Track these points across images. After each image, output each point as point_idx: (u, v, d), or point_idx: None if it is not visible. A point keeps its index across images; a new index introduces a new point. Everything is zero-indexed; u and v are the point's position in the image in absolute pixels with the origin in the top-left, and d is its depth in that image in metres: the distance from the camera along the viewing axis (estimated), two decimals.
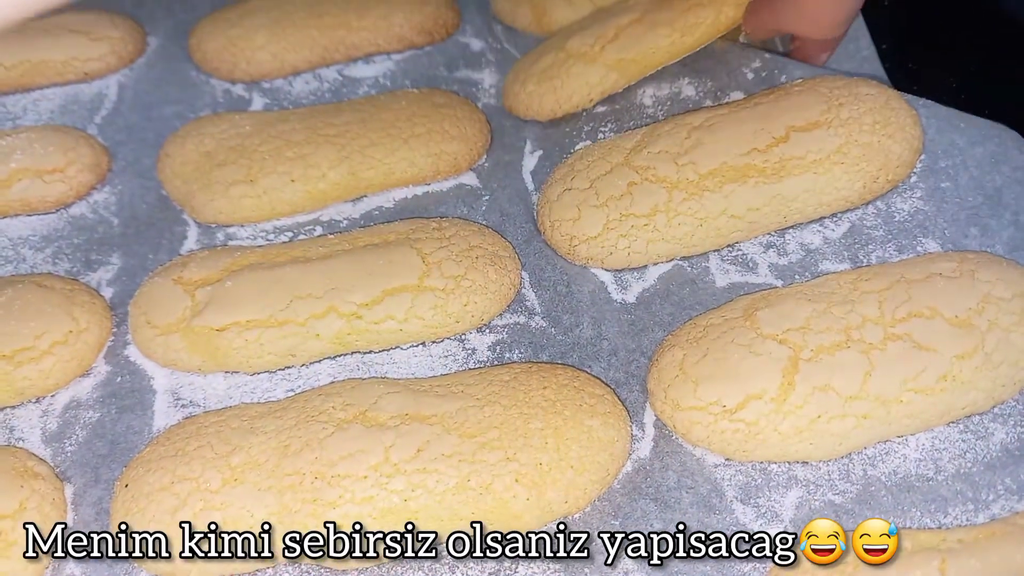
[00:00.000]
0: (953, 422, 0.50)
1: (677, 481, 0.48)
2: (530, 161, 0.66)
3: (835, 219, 0.59)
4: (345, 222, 0.63)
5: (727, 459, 0.49)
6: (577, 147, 0.65)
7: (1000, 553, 0.43)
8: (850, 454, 0.49)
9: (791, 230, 0.59)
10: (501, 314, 0.57)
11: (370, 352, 0.55)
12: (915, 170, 0.60)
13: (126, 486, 0.46)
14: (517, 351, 0.55)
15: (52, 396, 0.53)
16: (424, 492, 0.45)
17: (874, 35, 0.72)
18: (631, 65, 0.66)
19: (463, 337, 0.56)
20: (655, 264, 0.58)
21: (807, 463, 0.49)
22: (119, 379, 0.54)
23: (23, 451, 0.49)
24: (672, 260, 0.59)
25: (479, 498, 0.45)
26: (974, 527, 0.46)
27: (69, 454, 0.50)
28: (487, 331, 0.56)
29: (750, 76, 0.67)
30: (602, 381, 0.52)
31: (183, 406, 0.52)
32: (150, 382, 0.54)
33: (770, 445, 0.48)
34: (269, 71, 0.74)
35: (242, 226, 0.62)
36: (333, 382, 0.52)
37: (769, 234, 0.59)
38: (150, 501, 0.45)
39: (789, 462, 0.49)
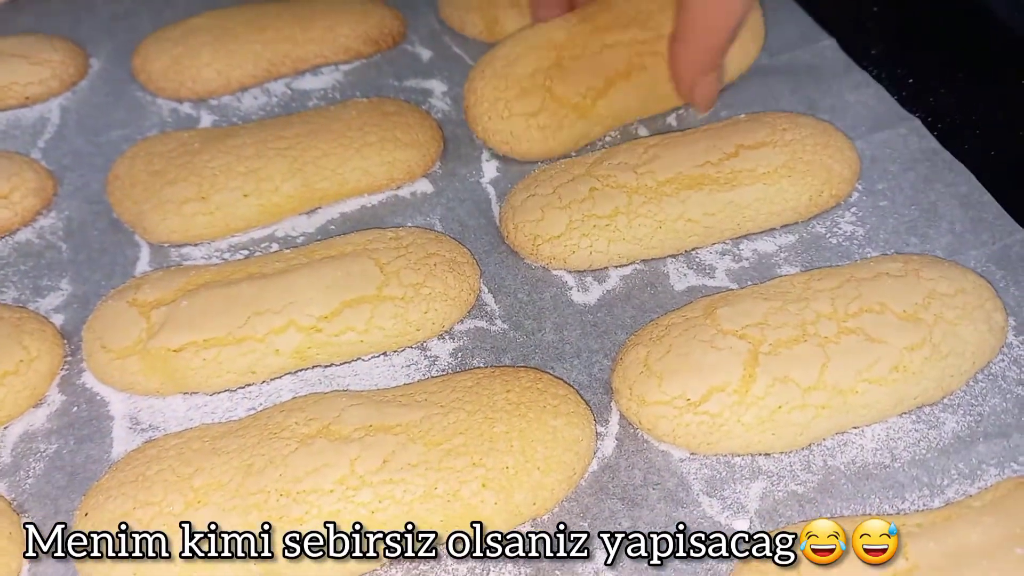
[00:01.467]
0: (906, 412, 0.51)
1: (644, 478, 0.49)
2: (488, 168, 0.67)
3: (785, 230, 0.62)
4: (301, 236, 0.62)
5: (692, 453, 0.50)
6: (537, 165, 0.66)
7: (956, 535, 0.44)
8: (810, 445, 0.50)
9: (745, 239, 0.61)
10: (462, 320, 0.57)
11: (331, 365, 0.55)
12: (855, 191, 0.64)
13: (86, 515, 0.45)
14: (479, 356, 0.55)
15: (5, 428, 0.51)
16: (392, 503, 0.44)
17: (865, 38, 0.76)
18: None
19: (425, 345, 0.56)
20: (616, 267, 0.59)
21: (770, 455, 0.50)
22: (75, 408, 0.53)
23: None
24: (632, 263, 0.60)
25: (447, 505, 0.45)
26: (931, 511, 0.47)
27: (27, 487, 0.49)
28: (448, 338, 0.56)
29: (699, 117, 0.70)
30: (565, 382, 0.52)
31: (142, 430, 0.51)
32: (107, 408, 0.52)
33: (734, 436, 0.48)
34: (216, 88, 0.73)
35: (196, 245, 0.62)
36: (295, 397, 0.51)
37: (724, 242, 0.61)
38: (111, 529, 0.44)
39: (752, 454, 0.49)
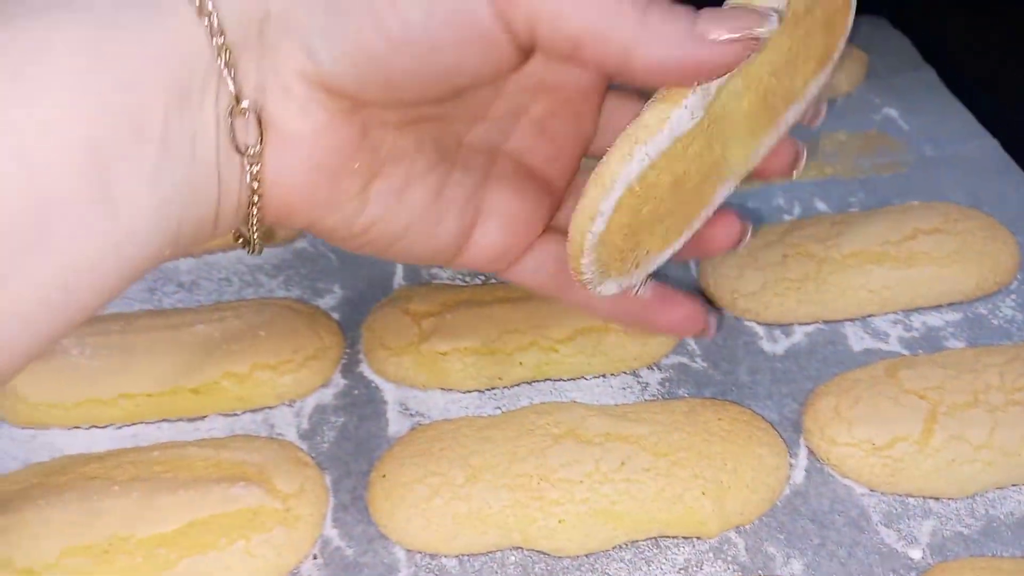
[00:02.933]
0: None
1: (830, 506, 0.58)
2: None
3: (951, 307, 0.71)
4: None
5: (872, 490, 0.58)
6: None
7: None
8: (975, 495, 0.58)
9: (916, 312, 0.70)
10: (668, 355, 0.67)
11: (560, 380, 0.65)
12: (1015, 280, 0.73)
13: (383, 476, 0.56)
14: (683, 387, 0.65)
15: (302, 401, 0.64)
16: (628, 498, 0.54)
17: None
18: None
19: (637, 372, 0.66)
20: (801, 324, 0.69)
21: (939, 499, 0.58)
22: (356, 391, 0.64)
23: (293, 444, 0.60)
24: (816, 323, 0.69)
25: (671, 506, 0.55)
26: None
27: (323, 450, 0.61)
28: (657, 369, 0.66)
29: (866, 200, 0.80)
30: (763, 417, 0.62)
31: (411, 415, 0.63)
32: (381, 394, 0.64)
33: (912, 480, 0.57)
34: None
35: (441, 267, 0.74)
36: (538, 403, 0.62)
37: (897, 312, 0.70)
38: (407, 490, 0.55)
39: (924, 497, 0.58)
